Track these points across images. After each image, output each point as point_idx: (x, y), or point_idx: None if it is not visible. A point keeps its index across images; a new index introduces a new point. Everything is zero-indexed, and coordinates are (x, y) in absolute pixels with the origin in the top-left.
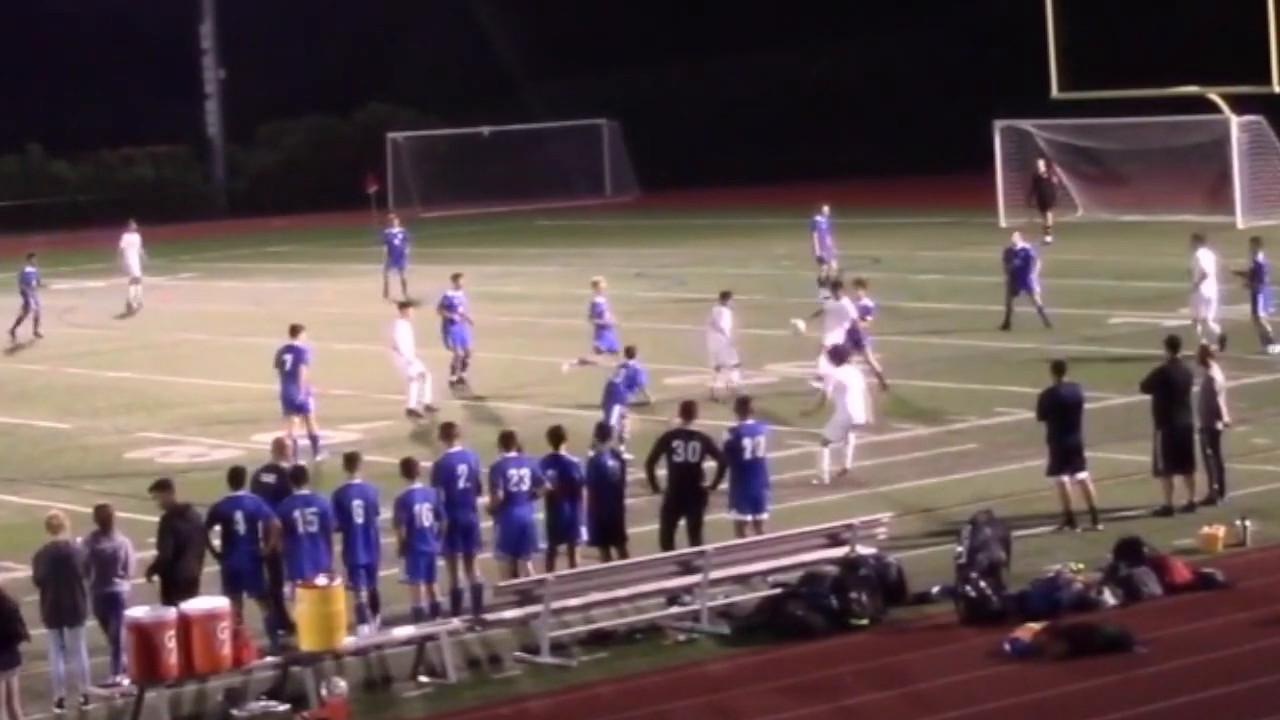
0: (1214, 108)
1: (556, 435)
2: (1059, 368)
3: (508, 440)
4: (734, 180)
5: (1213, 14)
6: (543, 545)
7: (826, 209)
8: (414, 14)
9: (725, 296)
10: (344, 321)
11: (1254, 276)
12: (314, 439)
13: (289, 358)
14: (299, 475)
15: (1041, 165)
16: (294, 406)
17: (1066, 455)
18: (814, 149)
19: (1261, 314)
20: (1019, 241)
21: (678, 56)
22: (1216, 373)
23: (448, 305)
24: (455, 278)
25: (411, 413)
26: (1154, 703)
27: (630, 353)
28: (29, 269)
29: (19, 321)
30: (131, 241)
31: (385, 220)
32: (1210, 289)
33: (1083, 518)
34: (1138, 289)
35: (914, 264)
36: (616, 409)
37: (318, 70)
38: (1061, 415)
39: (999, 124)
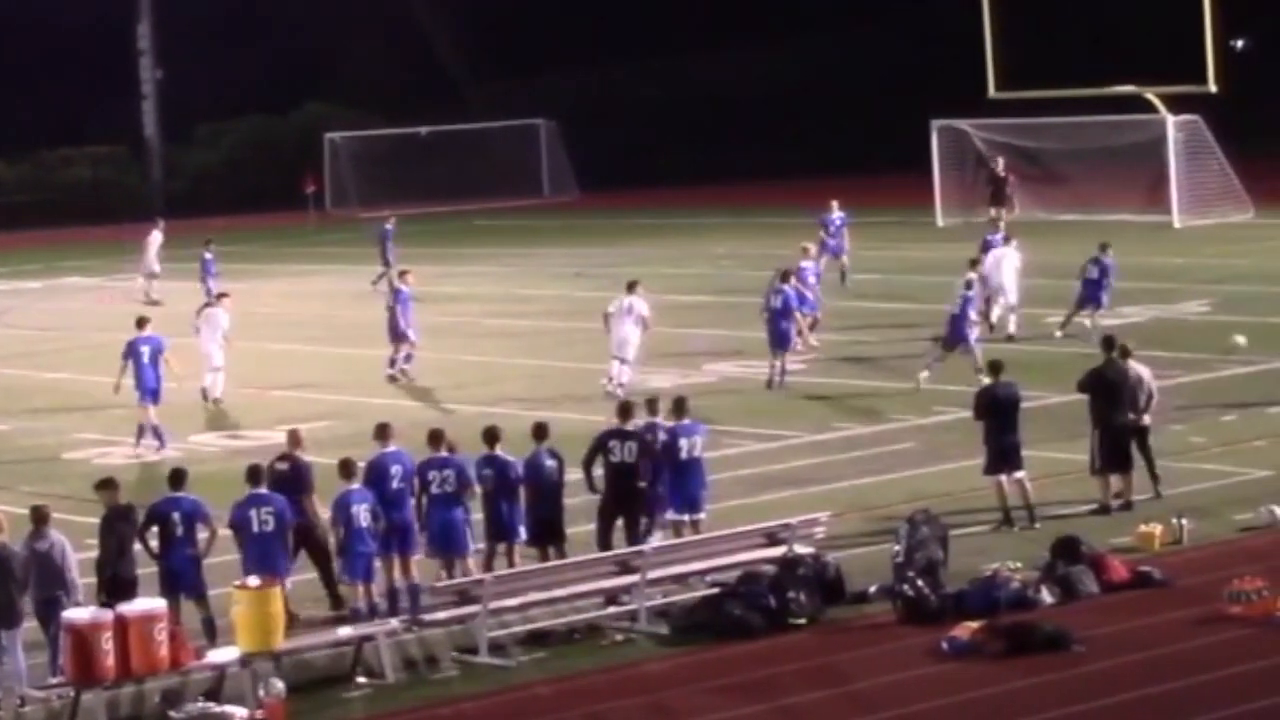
0: (1151, 107)
1: (491, 435)
2: (995, 367)
3: (435, 439)
4: (672, 180)
5: (1149, 14)
6: (480, 545)
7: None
8: (353, 14)
9: (632, 286)
10: (281, 321)
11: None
12: (156, 429)
13: (147, 349)
14: (254, 474)
15: (999, 163)
16: (151, 395)
17: (1004, 454)
18: (752, 149)
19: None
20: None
21: (616, 57)
22: (1136, 368)
23: (399, 300)
24: (403, 274)
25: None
26: (1091, 701)
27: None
28: None
29: None
30: (156, 239)
31: (383, 217)
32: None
33: (1020, 516)
34: (1075, 288)
35: (852, 263)
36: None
37: (256, 70)
38: (999, 414)
39: (936, 124)
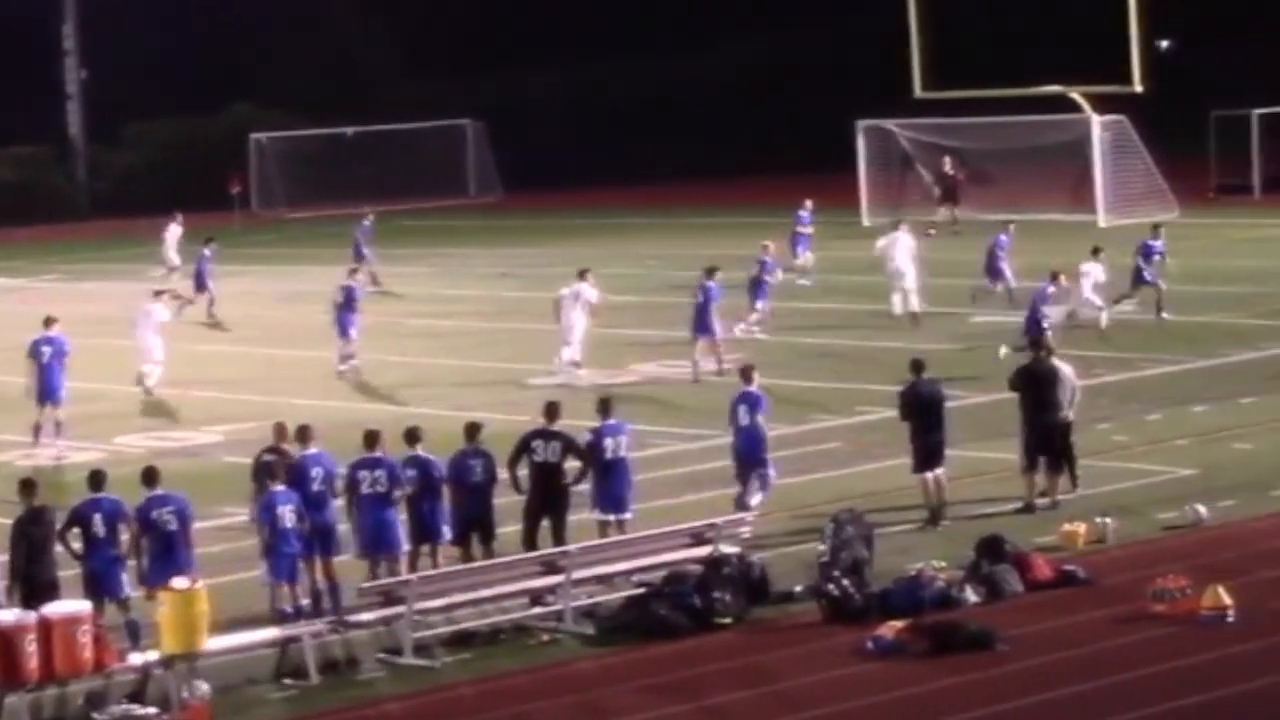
0: (1076, 107)
1: (412, 435)
2: (918, 365)
3: (371, 440)
4: (598, 181)
5: (1075, 14)
6: (407, 546)
7: (809, 203)
8: (279, 15)
9: (583, 274)
10: (205, 320)
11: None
12: (58, 425)
13: (48, 349)
14: (149, 476)
15: (947, 162)
16: (51, 396)
17: (929, 453)
18: (678, 149)
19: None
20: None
21: (542, 58)
22: (1062, 367)
23: (347, 296)
24: (352, 272)
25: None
26: (1016, 700)
27: None
28: None
29: None
30: (175, 232)
31: (361, 214)
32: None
33: (931, 513)
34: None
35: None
36: None
37: (182, 71)
38: (923, 413)
39: (862, 123)
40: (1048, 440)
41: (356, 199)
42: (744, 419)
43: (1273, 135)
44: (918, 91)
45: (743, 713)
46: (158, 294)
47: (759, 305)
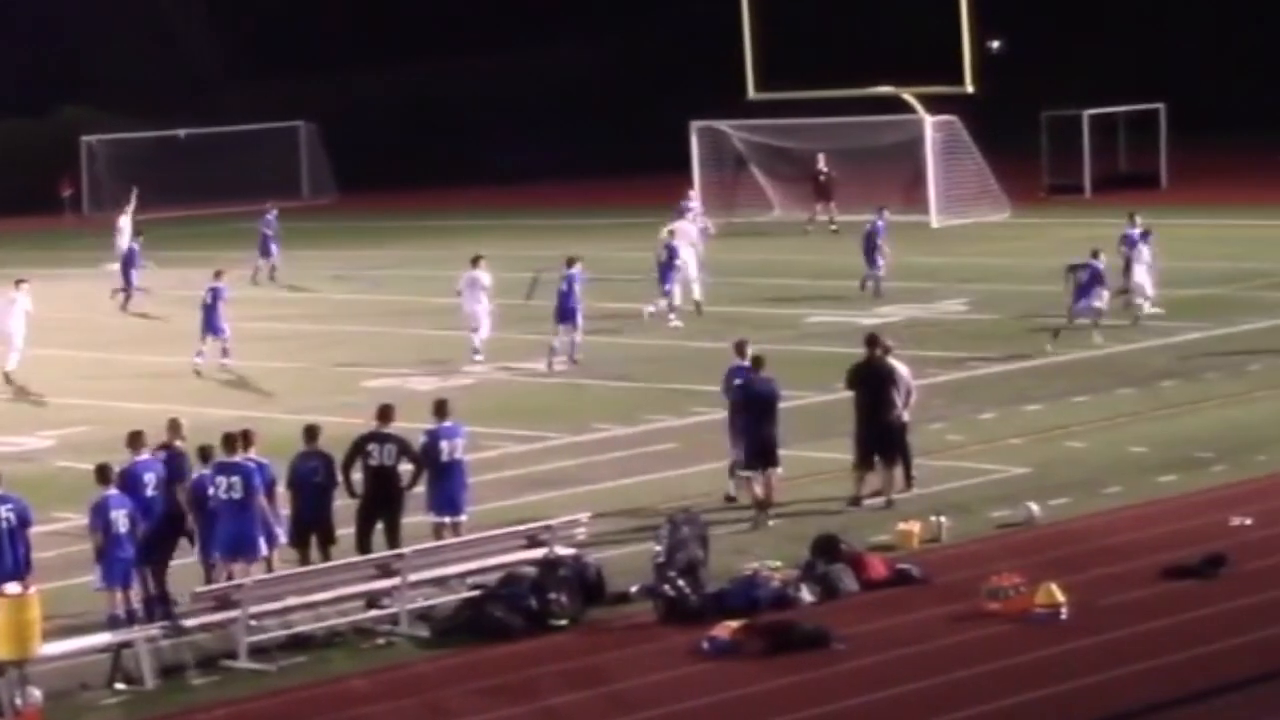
0: (909, 108)
1: (244, 438)
2: (755, 362)
3: (231, 443)
4: (433, 182)
5: (907, 16)
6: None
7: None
8: (109, 16)
9: (476, 260)
10: (37, 326)
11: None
12: None
13: None
14: None
15: (821, 159)
16: None
17: (760, 450)
18: (513, 151)
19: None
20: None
21: (375, 58)
22: (897, 366)
23: (215, 297)
24: (218, 274)
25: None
26: (851, 698)
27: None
28: None
29: None
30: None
31: (264, 209)
32: None
33: (757, 511)
34: (834, 288)
35: (613, 264)
36: None
37: (9, 72)
38: (755, 409)
39: (695, 125)
40: (882, 438)
41: (189, 201)
42: (738, 394)
43: (1103, 135)
44: (751, 93)
45: (578, 714)
46: (18, 283)
47: (667, 289)
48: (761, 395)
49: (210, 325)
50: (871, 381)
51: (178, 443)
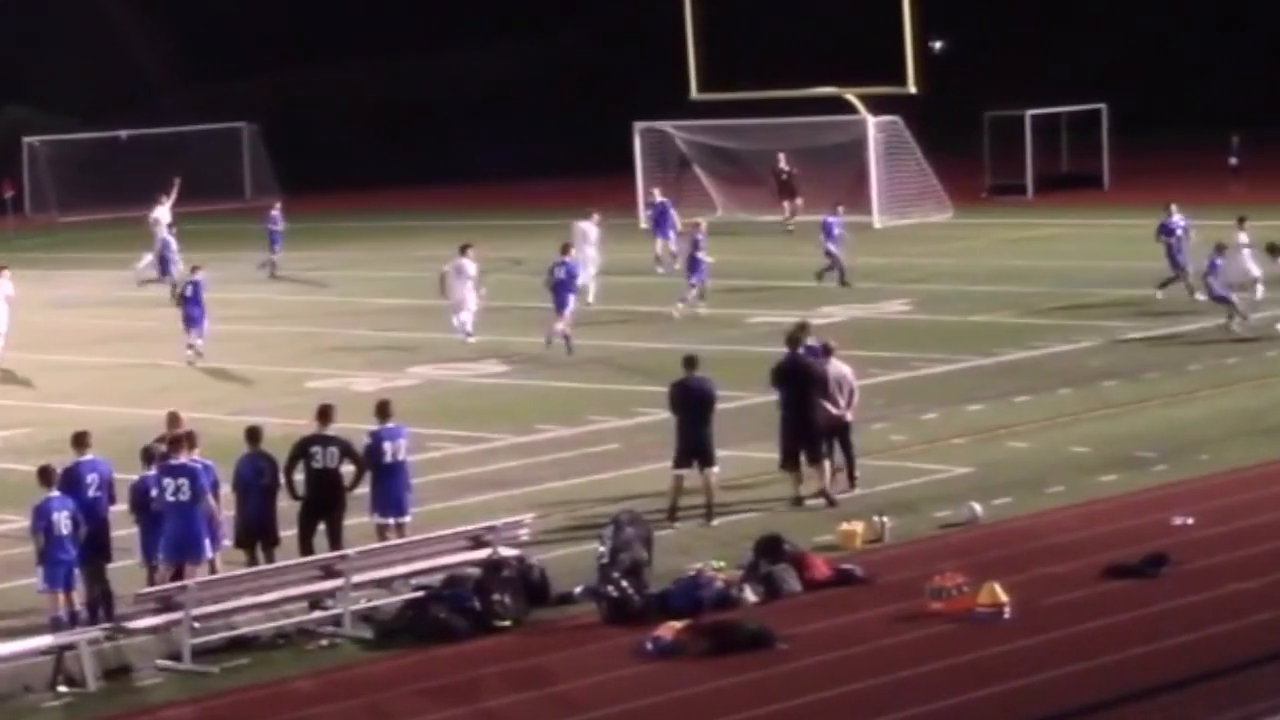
0: (852, 109)
1: (187, 439)
2: (690, 361)
3: (176, 444)
4: (377, 183)
5: (849, 17)
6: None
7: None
8: (51, 17)
9: (465, 249)
10: None
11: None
12: None
13: None
14: None
15: (782, 158)
16: None
17: (694, 449)
18: (456, 151)
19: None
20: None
21: (318, 59)
22: (837, 366)
23: (195, 290)
24: (194, 269)
25: None
26: (795, 698)
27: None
28: None
29: None
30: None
31: (268, 205)
32: None
33: (694, 513)
34: (777, 288)
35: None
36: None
37: None
38: (689, 408)
39: (639, 125)
40: (806, 437)
41: (131, 203)
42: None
43: (1045, 136)
44: (694, 93)
45: (522, 715)
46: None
47: (694, 281)
48: (697, 395)
49: (190, 318)
50: (793, 379)
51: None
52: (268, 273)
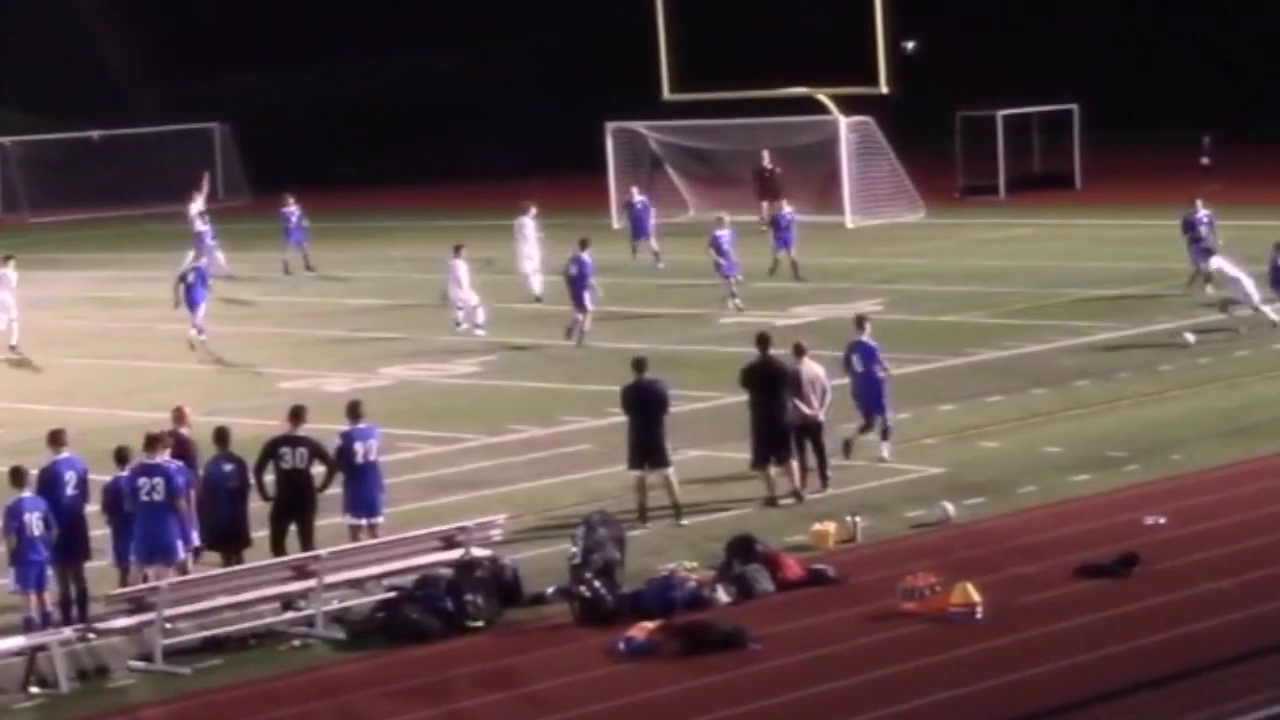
0: (824, 109)
1: (159, 440)
2: (639, 364)
3: (152, 444)
4: (349, 183)
5: (822, 17)
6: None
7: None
8: (21, 17)
9: (458, 249)
10: None
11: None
12: None
13: None
14: None
15: (765, 156)
16: None
17: (646, 450)
18: (429, 151)
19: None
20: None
21: (290, 59)
22: (810, 367)
23: (198, 277)
24: (197, 255)
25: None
26: (767, 699)
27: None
28: None
29: None
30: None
31: (282, 200)
32: None
33: (662, 515)
34: (748, 289)
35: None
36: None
37: None
38: (641, 410)
39: (610, 125)
40: (776, 434)
41: (103, 203)
42: (858, 366)
43: (1017, 136)
44: (666, 94)
45: (494, 716)
46: (6, 258)
47: (732, 275)
48: (649, 397)
49: (190, 300)
50: (764, 381)
51: (184, 430)
52: (300, 265)
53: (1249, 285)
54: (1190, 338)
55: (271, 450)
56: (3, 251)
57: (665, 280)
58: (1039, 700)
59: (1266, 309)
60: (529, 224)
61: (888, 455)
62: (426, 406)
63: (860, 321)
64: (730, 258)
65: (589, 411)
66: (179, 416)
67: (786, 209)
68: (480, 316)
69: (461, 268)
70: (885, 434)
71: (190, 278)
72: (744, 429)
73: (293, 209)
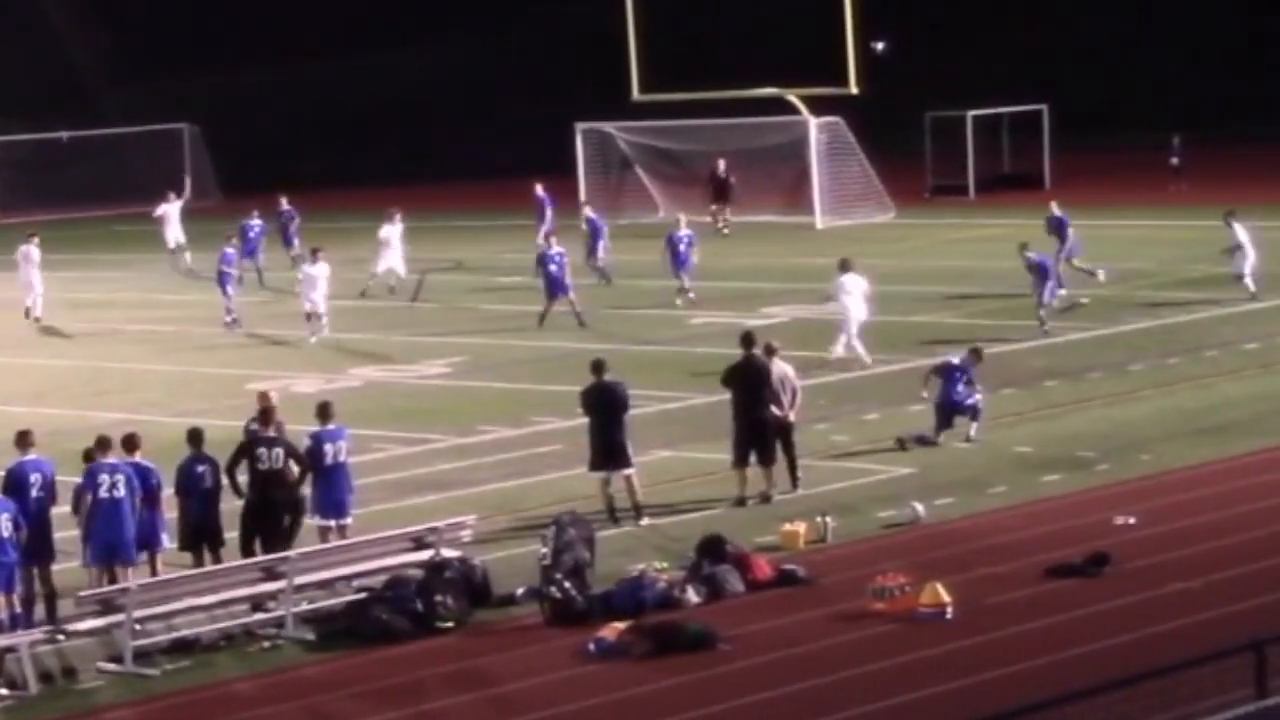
0: (794, 109)
1: (130, 442)
2: (598, 366)
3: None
4: (318, 183)
5: (791, 17)
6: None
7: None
8: None
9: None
10: None
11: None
12: None
13: None
14: None
15: (721, 165)
16: None
17: (608, 452)
18: (398, 151)
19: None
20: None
21: (259, 59)
22: (780, 366)
23: (223, 261)
24: (229, 237)
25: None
26: (737, 699)
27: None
28: None
29: None
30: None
31: (245, 212)
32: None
33: (627, 515)
34: (718, 289)
35: (496, 266)
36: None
37: None
38: (603, 411)
39: (580, 126)
40: (759, 435)
41: (72, 204)
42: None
43: (986, 136)
44: (636, 94)
45: (464, 717)
46: (30, 235)
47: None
48: (610, 398)
49: (222, 283)
50: (746, 381)
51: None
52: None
53: (1250, 258)
54: (1101, 275)
55: (247, 450)
56: (27, 230)
57: (633, 280)
58: (1009, 700)
59: (1249, 281)
60: (394, 231)
61: (976, 436)
62: (396, 408)
63: (976, 353)
64: (682, 257)
65: (559, 412)
66: (265, 399)
67: (685, 230)
68: (325, 329)
69: (322, 271)
70: (975, 414)
71: (223, 265)
72: (715, 429)
73: (255, 222)
